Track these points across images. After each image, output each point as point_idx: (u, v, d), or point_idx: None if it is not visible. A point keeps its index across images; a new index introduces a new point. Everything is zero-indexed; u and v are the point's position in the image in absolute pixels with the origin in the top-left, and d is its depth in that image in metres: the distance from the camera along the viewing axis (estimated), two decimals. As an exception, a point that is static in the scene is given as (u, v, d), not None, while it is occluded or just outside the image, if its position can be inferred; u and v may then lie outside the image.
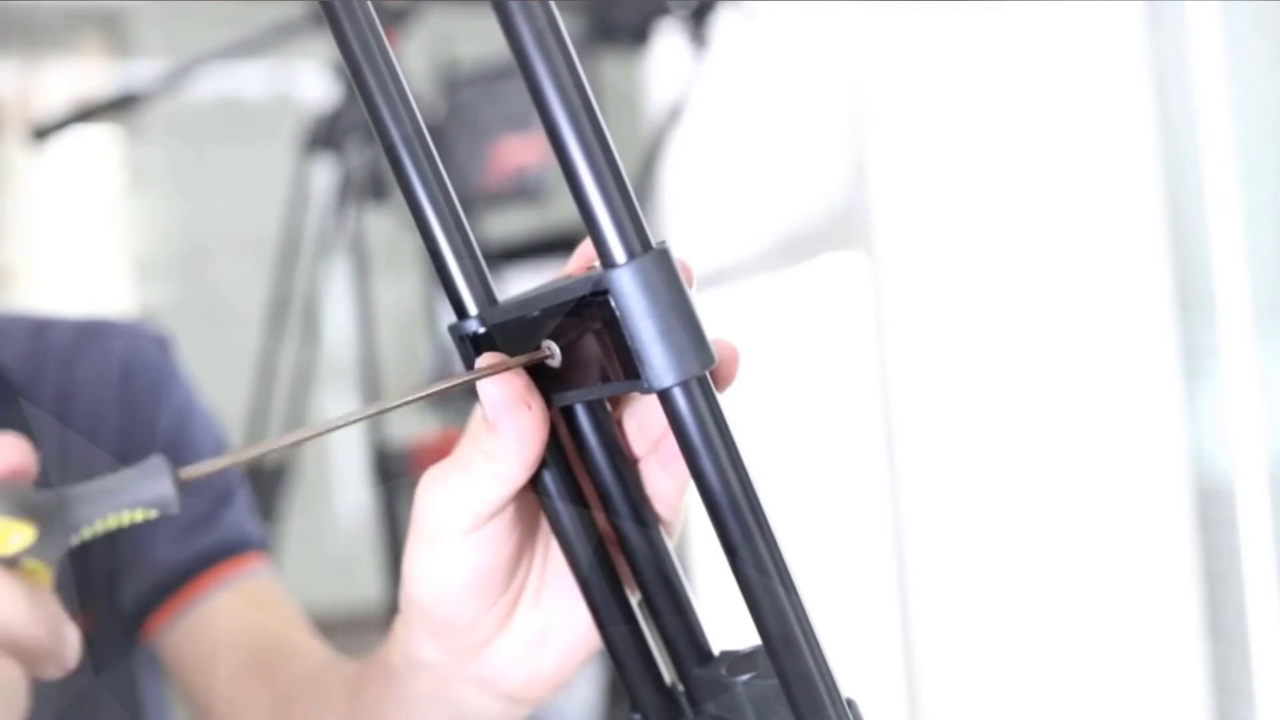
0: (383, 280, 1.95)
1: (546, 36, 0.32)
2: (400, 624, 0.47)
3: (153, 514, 0.36)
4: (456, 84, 1.98)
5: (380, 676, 0.50)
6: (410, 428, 1.88)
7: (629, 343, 0.34)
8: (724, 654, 0.41)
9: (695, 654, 0.41)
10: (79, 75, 3.59)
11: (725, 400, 0.35)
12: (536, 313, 0.38)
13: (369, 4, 0.38)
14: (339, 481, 3.35)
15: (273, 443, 0.36)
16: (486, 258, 0.40)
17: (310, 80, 2.96)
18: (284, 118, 2.57)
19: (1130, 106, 1.44)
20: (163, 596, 0.73)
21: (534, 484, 0.41)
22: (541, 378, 0.39)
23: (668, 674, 0.43)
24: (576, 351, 0.37)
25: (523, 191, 1.93)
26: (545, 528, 0.44)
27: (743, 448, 0.34)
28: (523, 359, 0.38)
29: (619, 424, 0.42)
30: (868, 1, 1.59)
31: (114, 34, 3.55)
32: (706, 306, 0.36)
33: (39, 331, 0.77)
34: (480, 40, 1.39)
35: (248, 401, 1.88)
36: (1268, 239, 1.32)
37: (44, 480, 0.37)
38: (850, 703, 0.36)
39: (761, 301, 2.16)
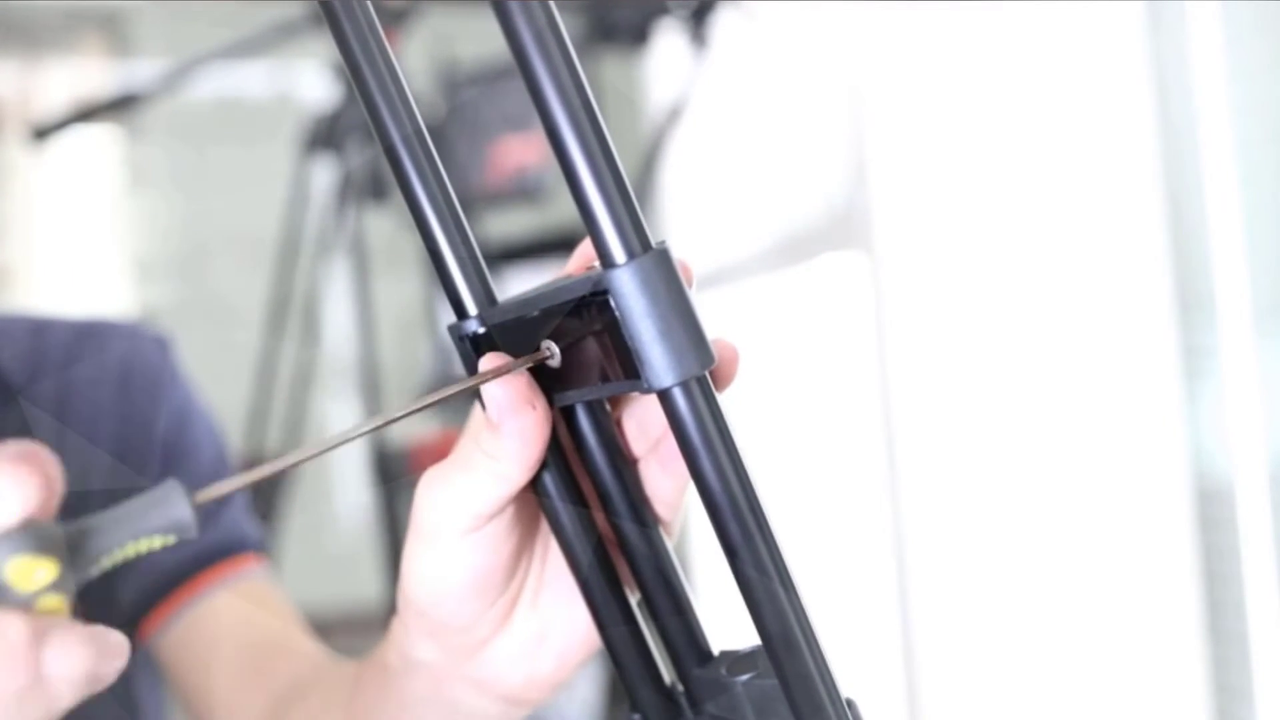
0: (383, 280, 1.95)
1: (546, 36, 0.32)
2: (397, 624, 0.47)
3: (171, 540, 0.36)
4: (456, 84, 1.98)
5: (377, 677, 0.50)
6: (410, 428, 1.88)
7: (629, 343, 0.34)
8: (724, 654, 0.41)
9: (695, 654, 0.41)
10: (79, 75, 3.59)
11: (725, 400, 0.35)
12: (536, 313, 0.38)
13: (369, 4, 0.38)
14: (339, 481, 3.35)
15: (284, 461, 0.36)
16: (486, 258, 0.40)
17: (310, 80, 2.95)
18: (284, 118, 2.57)
19: (1130, 106, 1.44)
20: (159, 597, 0.73)
21: (534, 484, 0.41)
22: (541, 378, 0.39)
23: (667, 674, 0.43)
24: (576, 352, 0.37)
25: (523, 191, 1.93)
26: (544, 529, 0.44)
27: (743, 448, 0.34)
28: (525, 360, 0.38)
29: (619, 424, 0.42)
30: (868, 1, 1.59)
31: (114, 34, 3.55)
32: (706, 306, 0.36)
33: (38, 332, 0.77)
34: (480, 40, 1.39)
35: (248, 401, 1.88)
36: (1268, 239, 1.32)
37: None
38: (850, 703, 0.36)
39: (761, 301, 2.16)
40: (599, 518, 0.42)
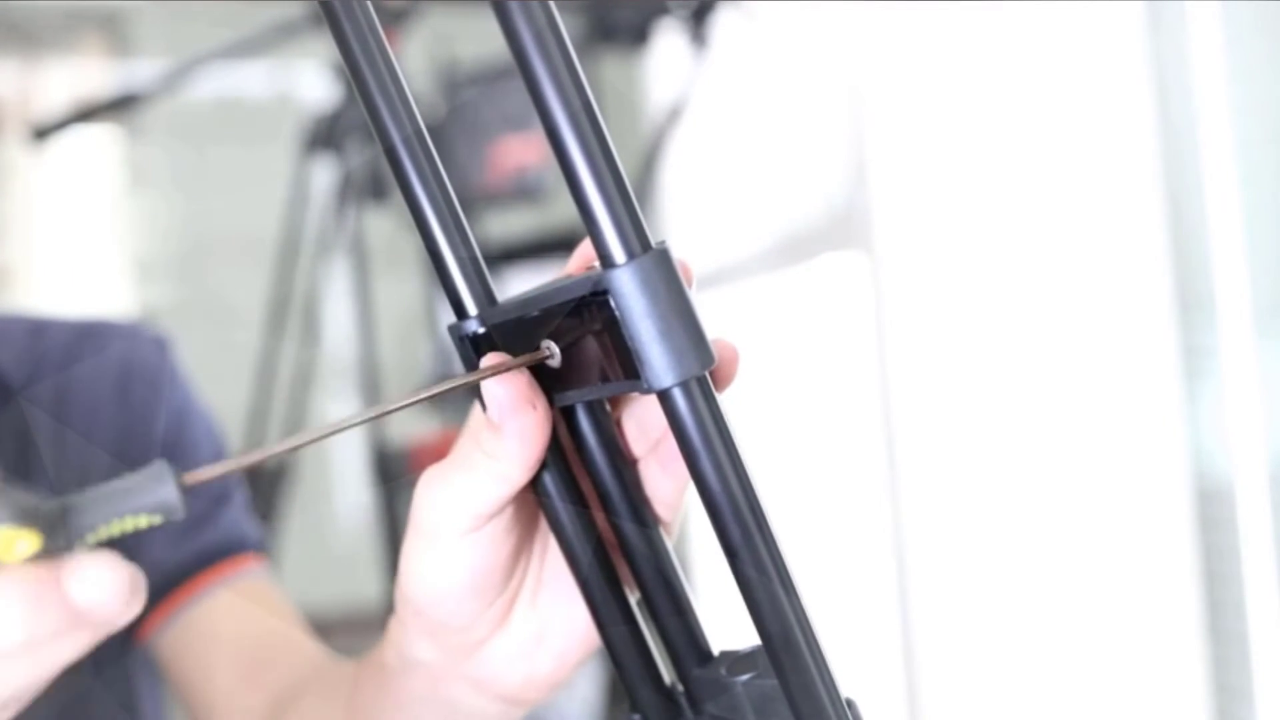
0: (383, 280, 1.95)
1: (546, 36, 0.32)
2: (395, 624, 0.46)
3: (157, 520, 0.36)
4: (456, 84, 1.98)
5: (375, 676, 0.50)
6: (410, 428, 1.88)
7: (629, 343, 0.34)
8: (724, 654, 0.41)
9: (695, 654, 0.41)
10: (79, 75, 3.59)
11: (725, 400, 0.35)
12: (536, 313, 0.37)
13: (369, 4, 0.38)
14: (339, 481, 3.35)
15: (275, 447, 0.36)
16: (486, 258, 0.40)
17: (310, 80, 2.95)
18: (284, 118, 2.57)
19: (1130, 106, 1.44)
20: (159, 596, 0.73)
21: (534, 484, 0.41)
22: (541, 378, 0.39)
23: (667, 674, 0.43)
24: (576, 352, 0.37)
25: (523, 191, 1.92)
26: (543, 529, 0.44)
27: (743, 448, 0.34)
28: (525, 359, 0.38)
29: (618, 424, 0.42)
30: (868, 1, 1.59)
31: (114, 34, 3.55)
32: (706, 306, 0.36)
33: (38, 332, 0.77)
34: (480, 40, 1.39)
35: (248, 402, 1.88)
36: (1268, 239, 1.32)
37: (44, 482, 0.37)
38: (850, 703, 0.36)
39: (761, 301, 2.16)
40: (599, 518, 0.42)
